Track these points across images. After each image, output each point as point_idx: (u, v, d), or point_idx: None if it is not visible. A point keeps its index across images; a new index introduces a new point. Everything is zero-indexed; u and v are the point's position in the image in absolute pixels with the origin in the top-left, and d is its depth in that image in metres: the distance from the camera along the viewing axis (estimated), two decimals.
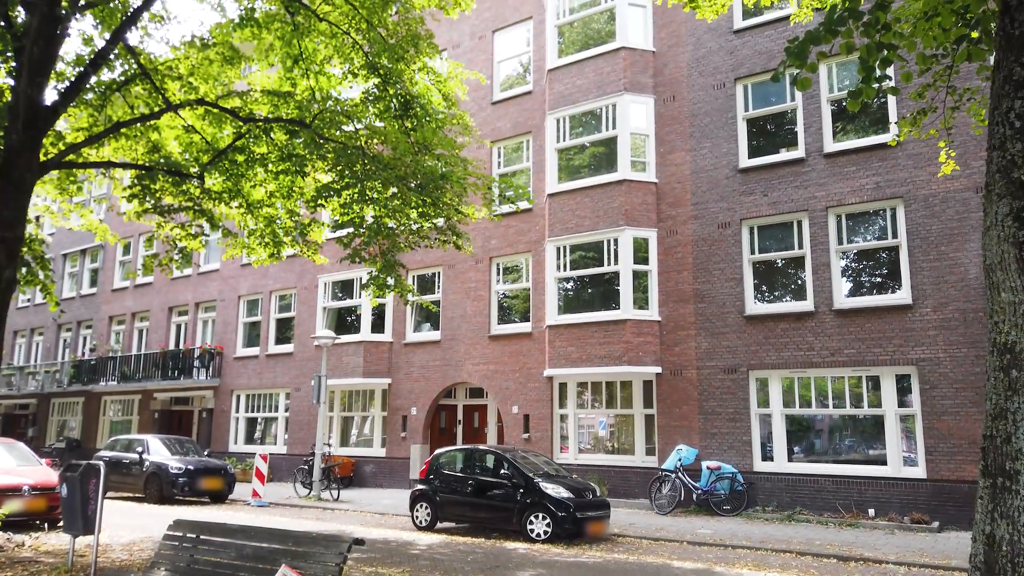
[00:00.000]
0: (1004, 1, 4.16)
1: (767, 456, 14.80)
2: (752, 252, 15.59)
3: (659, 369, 16.07)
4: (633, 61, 17.28)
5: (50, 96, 9.22)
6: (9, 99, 9.02)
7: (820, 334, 14.41)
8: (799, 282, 15.09)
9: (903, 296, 13.80)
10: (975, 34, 5.71)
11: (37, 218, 11.72)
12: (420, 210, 12.07)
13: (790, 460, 14.58)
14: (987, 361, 4.12)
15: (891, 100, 14.25)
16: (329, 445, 20.80)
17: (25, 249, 10.20)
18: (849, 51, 4.71)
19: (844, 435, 14.38)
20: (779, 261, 15.46)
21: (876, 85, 4.77)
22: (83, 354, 30.54)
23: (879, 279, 14.49)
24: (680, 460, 15.02)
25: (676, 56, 17.17)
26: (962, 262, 13.27)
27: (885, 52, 4.66)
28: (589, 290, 17.20)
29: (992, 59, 4.44)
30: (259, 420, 24.42)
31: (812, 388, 14.58)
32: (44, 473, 12.62)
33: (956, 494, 12.70)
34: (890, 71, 13.20)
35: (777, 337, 14.86)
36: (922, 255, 13.66)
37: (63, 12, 8.83)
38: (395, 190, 11.57)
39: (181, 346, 26.72)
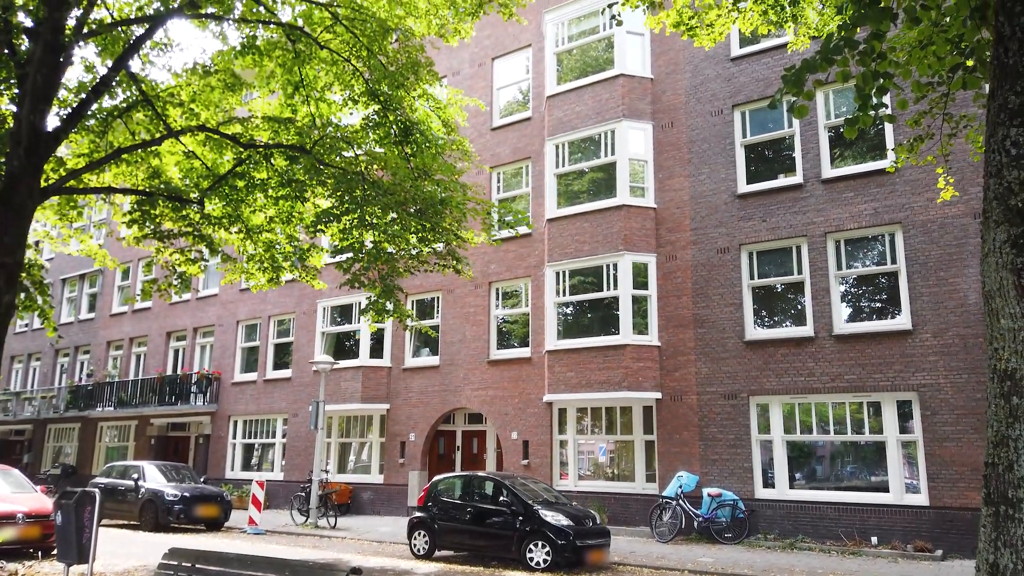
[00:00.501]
0: (998, 31, 4.20)
1: (768, 483, 14.68)
2: (751, 277, 15.60)
3: (659, 394, 16.00)
4: (631, 88, 17.43)
5: (52, 122, 9.28)
6: (11, 126, 9.07)
7: (820, 359, 14.37)
8: (799, 307, 15.08)
9: (903, 321, 13.78)
10: (970, 62, 5.77)
11: (36, 243, 11.73)
12: (420, 235, 12.10)
13: (792, 487, 14.46)
14: (987, 388, 4.10)
15: (888, 126, 14.36)
16: (327, 471, 20.63)
17: (24, 274, 10.19)
18: (845, 79, 4.74)
19: (846, 461, 14.28)
20: (779, 286, 15.46)
21: (872, 113, 4.80)
22: (80, 379, 30.41)
23: (879, 304, 14.48)
24: (681, 487, 14.89)
25: (674, 83, 17.32)
26: (961, 288, 13.28)
27: (881, 80, 4.70)
28: (588, 315, 17.18)
29: (987, 87, 4.48)
30: (256, 446, 24.25)
31: (813, 414, 14.50)
32: (39, 500, 12.50)
33: (959, 522, 12.58)
34: (886, 99, 13.31)
35: (777, 362, 14.82)
36: (921, 280, 13.67)
37: (66, 40, 8.91)
38: (395, 215, 11.61)
39: (179, 371, 26.62)
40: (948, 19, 5.59)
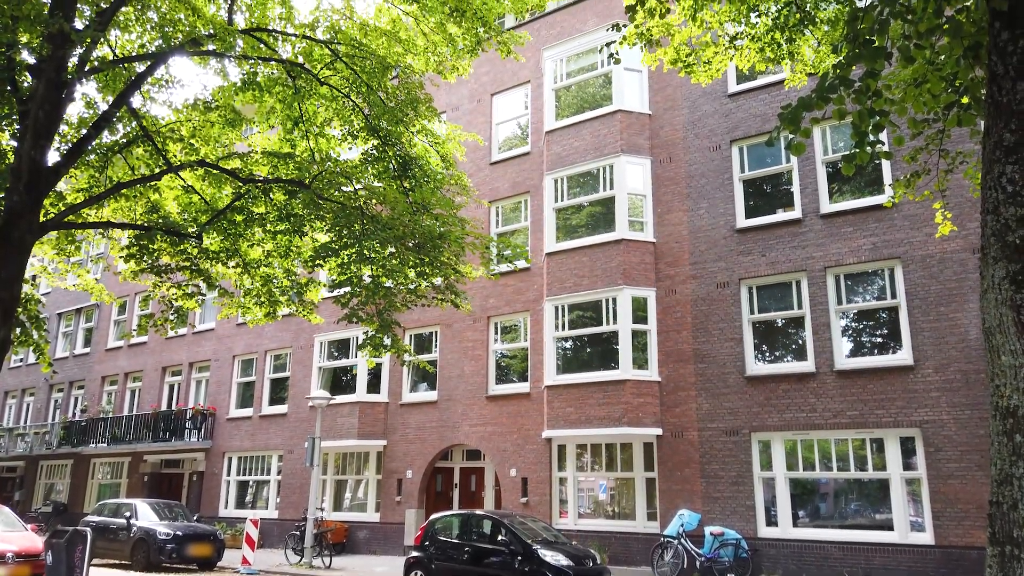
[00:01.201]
0: (991, 70, 4.23)
1: (771, 521, 14.47)
2: (752, 312, 15.57)
3: (659, 431, 15.85)
4: (629, 123, 17.59)
5: (52, 157, 9.32)
6: (12, 161, 9.11)
7: (822, 395, 14.27)
8: (799, 342, 15.02)
9: (904, 357, 13.71)
10: (965, 100, 5.81)
11: (33, 278, 11.69)
12: (418, 269, 12.08)
13: (795, 525, 14.24)
14: (990, 425, 4.04)
15: (886, 162, 14.45)
16: (322, 510, 20.35)
17: (21, 309, 10.15)
18: (842, 117, 4.77)
19: (849, 499, 14.09)
20: (779, 321, 15.42)
21: (870, 150, 4.82)
22: (74, 415, 30.16)
23: (880, 339, 14.43)
24: (682, 525, 14.66)
25: (672, 119, 17.49)
26: (962, 323, 13.24)
27: (877, 118, 4.73)
28: (588, 350, 17.10)
29: (982, 123, 4.50)
30: (250, 483, 23.95)
31: (815, 450, 14.35)
32: (29, 539, 12.30)
33: (965, 561, 12.36)
34: (883, 136, 13.42)
35: (779, 398, 14.71)
36: (922, 315, 13.64)
37: (69, 77, 8.99)
38: (393, 249, 11.60)
39: (173, 407, 26.40)
40: (942, 57, 5.64)
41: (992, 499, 3.94)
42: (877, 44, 4.61)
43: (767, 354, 15.42)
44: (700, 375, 15.72)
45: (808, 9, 8.41)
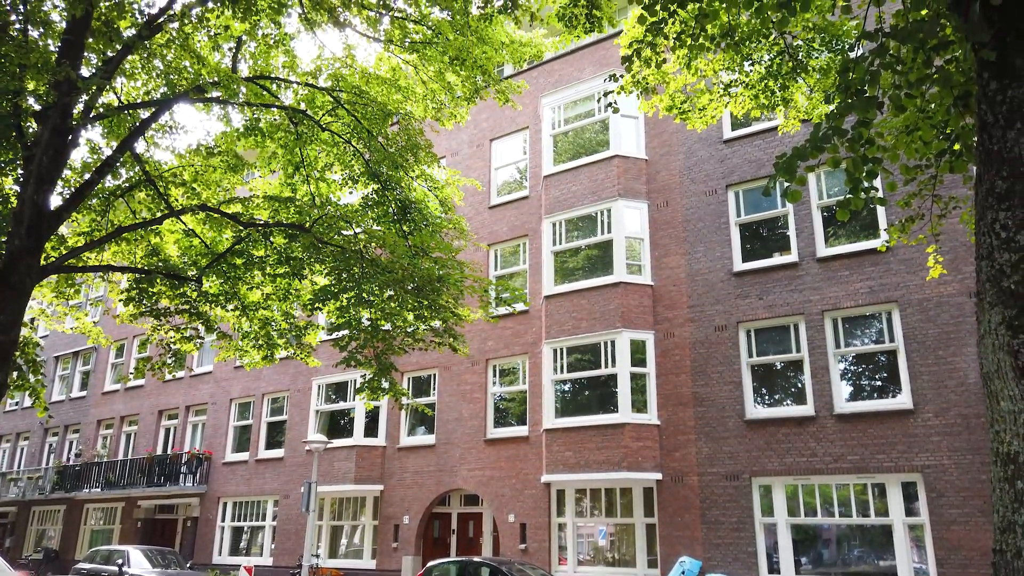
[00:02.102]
0: (981, 118, 4.31)
1: (773, 568, 14.22)
2: (750, 355, 15.54)
3: (659, 475, 15.68)
4: (626, 168, 17.80)
5: (55, 202, 9.39)
6: (15, 205, 9.18)
7: (822, 439, 14.16)
8: (799, 386, 14.97)
9: (904, 401, 13.65)
10: (956, 147, 5.90)
11: (32, 320, 11.70)
12: (417, 312, 12.10)
13: (798, 572, 14.00)
14: (991, 472, 4.02)
15: (880, 207, 14.59)
16: (317, 556, 20.00)
17: (18, 353, 10.12)
18: (836, 165, 4.84)
19: (852, 545, 13.88)
20: (778, 364, 15.39)
21: (864, 196, 4.88)
22: (68, 460, 29.80)
23: (879, 383, 14.38)
24: (684, 572, 14.40)
25: (668, 164, 17.70)
26: (960, 367, 13.21)
27: (870, 165, 4.80)
28: (586, 392, 17.02)
29: (974, 169, 4.57)
30: (245, 529, 23.56)
31: (817, 496, 14.18)
32: None
33: None
34: (877, 182, 13.58)
35: (779, 442, 14.59)
36: (920, 359, 13.61)
37: (74, 124, 9.12)
38: (392, 292, 11.63)
39: (169, 451, 26.12)
40: (933, 106, 5.75)
41: (995, 547, 3.89)
42: (869, 94, 4.71)
43: (766, 398, 15.35)
44: (699, 419, 15.62)
45: (800, 58, 8.60)
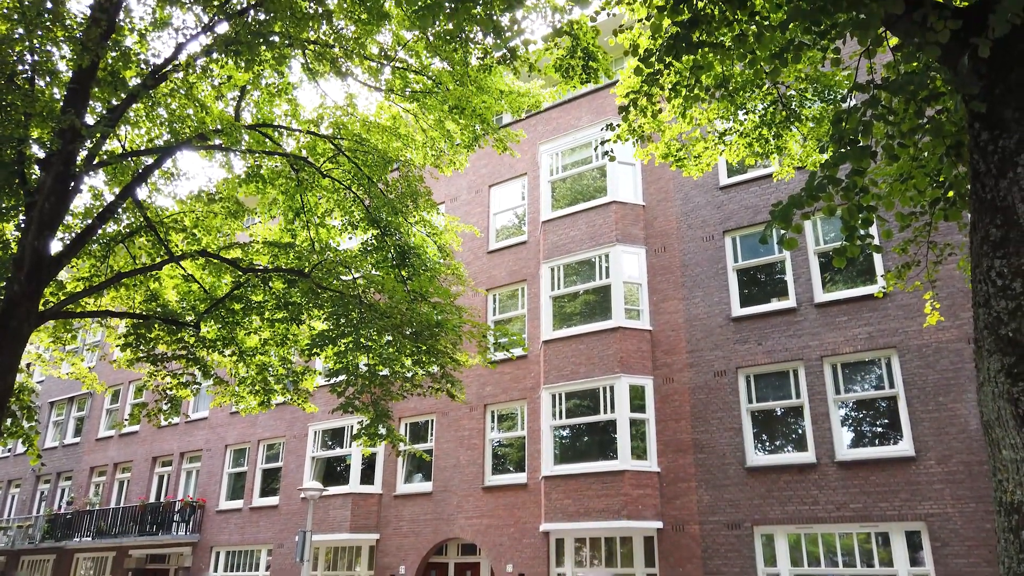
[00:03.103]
0: (973, 167, 4.37)
1: None
2: (750, 401, 15.44)
3: (660, 524, 15.44)
4: (624, 214, 17.94)
5: (55, 247, 9.43)
6: (15, 251, 9.21)
7: (824, 487, 13.98)
8: (799, 432, 14.84)
9: (905, 448, 13.53)
10: (950, 194, 5.98)
11: (28, 365, 11.65)
12: (415, 357, 12.07)
13: None
14: (995, 522, 3.96)
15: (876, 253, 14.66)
16: None
17: (13, 399, 10.05)
18: (831, 213, 4.89)
19: None
20: (778, 410, 15.28)
21: (860, 243, 4.92)
22: (59, 508, 29.32)
23: (880, 429, 14.27)
24: None
25: (665, 210, 17.85)
26: (961, 413, 13.13)
27: (865, 212, 4.86)
28: (585, 438, 16.85)
29: (968, 215, 4.61)
30: None
31: (820, 545, 13.94)
32: None
33: None
34: (873, 229, 13.69)
35: (780, 490, 14.40)
36: (921, 406, 13.53)
37: (77, 170, 9.21)
38: (390, 337, 11.62)
39: (162, 499, 25.71)
40: (926, 155, 5.84)
41: None
42: (862, 143, 4.78)
43: (767, 444, 15.21)
44: (700, 465, 15.44)
45: (793, 107, 8.75)
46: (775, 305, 15.66)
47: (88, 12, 8.97)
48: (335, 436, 21.58)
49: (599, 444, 16.45)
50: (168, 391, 12.38)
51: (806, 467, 14.24)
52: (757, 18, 5.64)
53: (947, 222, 5.96)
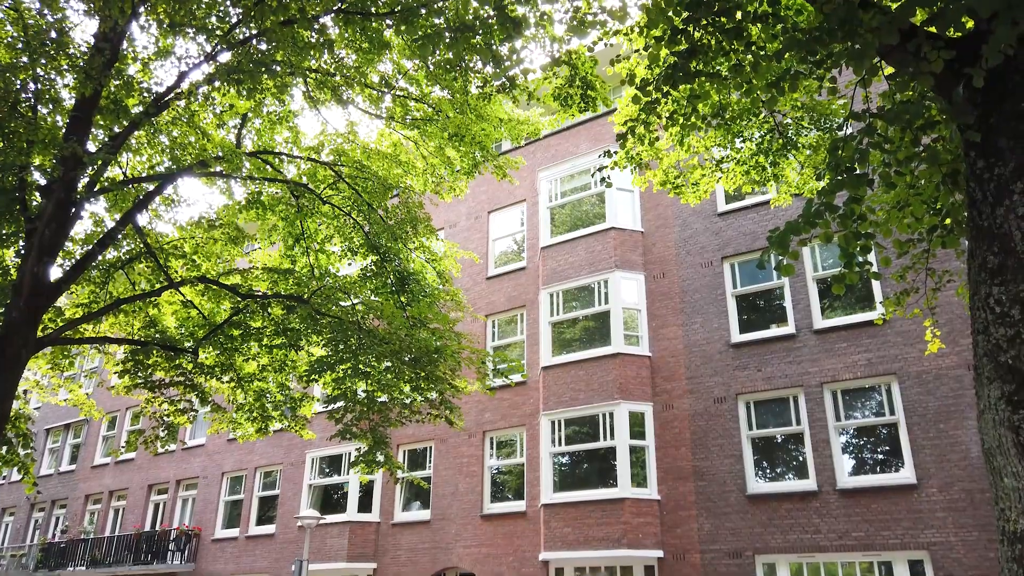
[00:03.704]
0: (970, 195, 4.40)
1: None
2: (750, 428, 15.36)
3: (660, 553, 15.26)
4: (623, 240, 17.99)
5: (54, 273, 9.44)
6: (14, 277, 9.22)
7: (826, 515, 13.86)
8: (800, 459, 14.74)
9: (907, 475, 13.43)
10: (948, 222, 6.00)
11: (25, 392, 11.59)
12: (413, 384, 12.02)
13: None
14: (998, 551, 3.93)
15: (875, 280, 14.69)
16: None
17: (10, 426, 9.99)
18: (828, 240, 4.91)
19: None
20: (778, 437, 15.20)
21: (858, 270, 4.94)
22: (54, 536, 28.98)
23: (881, 456, 14.18)
24: None
25: (664, 236, 17.91)
26: (963, 440, 13.06)
27: (863, 240, 4.87)
28: (585, 465, 16.73)
29: (965, 242, 4.63)
30: None
31: (822, 574, 13.78)
32: None
33: None
34: (871, 256, 13.73)
35: (781, 518, 14.27)
36: (921, 433, 13.46)
37: (78, 197, 9.25)
38: (389, 364, 11.59)
39: (158, 527, 25.42)
40: (922, 182, 5.88)
41: None
42: (859, 171, 4.82)
43: (767, 471, 15.10)
44: (700, 493, 15.31)
45: (790, 135, 8.83)
46: (774, 331, 15.64)
47: (92, 41, 9.07)
48: (332, 463, 21.42)
49: (599, 471, 16.33)
50: (165, 418, 12.30)
51: (807, 495, 14.13)
52: (754, 48, 5.71)
53: (945, 249, 5.98)
